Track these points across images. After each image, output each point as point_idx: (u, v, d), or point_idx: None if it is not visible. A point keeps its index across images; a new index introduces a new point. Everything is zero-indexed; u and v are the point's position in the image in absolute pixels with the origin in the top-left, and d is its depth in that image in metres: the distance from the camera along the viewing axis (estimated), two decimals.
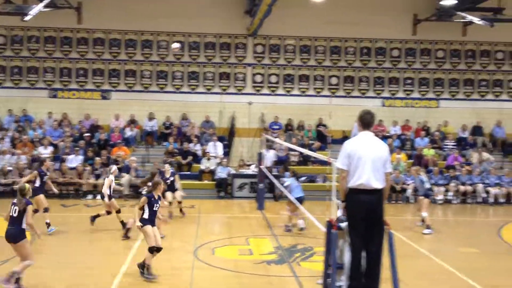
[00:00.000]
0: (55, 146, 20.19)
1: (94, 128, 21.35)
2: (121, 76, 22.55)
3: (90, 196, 18.38)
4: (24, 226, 8.34)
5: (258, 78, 23.06)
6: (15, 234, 8.25)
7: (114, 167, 13.53)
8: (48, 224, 12.61)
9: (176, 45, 14.48)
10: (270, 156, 19.71)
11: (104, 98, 22.33)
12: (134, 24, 22.26)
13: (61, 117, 21.77)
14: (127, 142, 20.90)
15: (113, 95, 22.43)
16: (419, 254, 11.59)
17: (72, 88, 22.29)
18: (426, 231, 13.71)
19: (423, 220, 14.09)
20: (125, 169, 18.74)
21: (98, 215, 13.14)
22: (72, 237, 12.59)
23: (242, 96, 22.84)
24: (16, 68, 22.14)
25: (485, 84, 23.40)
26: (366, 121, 6.32)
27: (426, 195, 14.17)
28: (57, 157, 19.59)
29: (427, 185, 14.33)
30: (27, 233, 8.54)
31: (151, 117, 21.95)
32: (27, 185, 8.67)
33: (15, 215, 8.31)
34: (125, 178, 18.28)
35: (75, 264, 10.20)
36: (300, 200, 12.61)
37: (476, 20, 20.21)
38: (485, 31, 21.69)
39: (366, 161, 6.05)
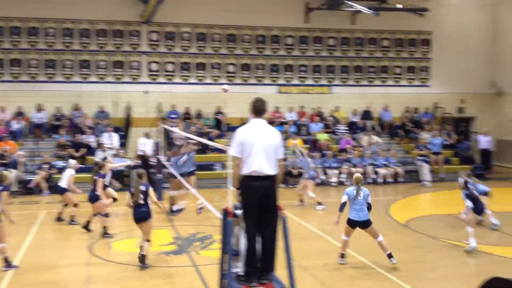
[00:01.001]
0: None
1: None
2: (6, 66, 21.17)
3: None
4: None
5: (154, 67, 22.64)
6: None
7: (73, 161, 13.03)
8: None
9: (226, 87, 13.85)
10: (150, 144, 19.51)
11: None
12: (18, 11, 20.92)
13: None
14: (14, 135, 19.69)
15: None
16: (314, 236, 12.03)
17: None
18: (319, 207, 14.51)
19: (301, 200, 15.49)
20: (12, 164, 17.68)
21: (88, 222, 12.24)
22: None
23: (137, 85, 22.32)
24: None
25: (373, 71, 24.63)
26: (257, 108, 6.39)
27: (311, 178, 15.25)
28: None
29: (312, 168, 15.46)
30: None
31: (39, 109, 20.82)
32: (5, 173, 9.79)
33: None
34: (13, 173, 17.24)
35: None
36: (187, 174, 13.08)
37: (363, 9, 21.16)
38: (372, 19, 22.81)
39: (259, 148, 6.12)
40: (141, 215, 9.51)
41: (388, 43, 24.71)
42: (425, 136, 21.81)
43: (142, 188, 9.48)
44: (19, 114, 20.59)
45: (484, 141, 22.56)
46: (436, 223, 13.63)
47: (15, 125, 20.10)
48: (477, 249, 10.41)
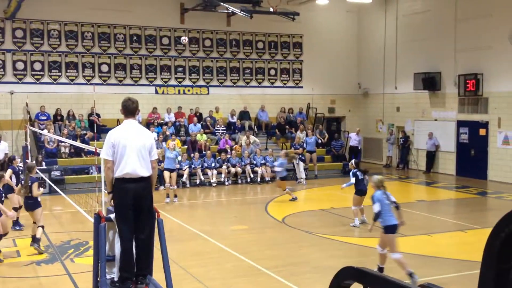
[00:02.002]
0: None
1: None
2: None
3: None
4: None
5: (20, 65, 21.23)
6: None
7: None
8: None
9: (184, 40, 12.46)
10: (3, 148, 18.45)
11: None
12: None
13: None
14: None
15: None
16: (195, 236, 12.02)
17: None
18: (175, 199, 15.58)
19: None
20: None
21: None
22: None
23: (2, 85, 20.80)
24: None
25: (249, 72, 25.15)
26: (128, 108, 6.21)
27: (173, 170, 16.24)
28: None
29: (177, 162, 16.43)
30: None
31: None
32: None
33: None
34: None
35: None
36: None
37: (237, 11, 21.52)
38: (247, 22, 23.29)
39: (131, 149, 5.96)
40: (29, 205, 10.54)
41: (263, 45, 25.37)
42: (300, 135, 22.70)
43: (29, 181, 10.34)
44: None
45: (355, 140, 23.98)
46: (310, 218, 14.23)
47: None
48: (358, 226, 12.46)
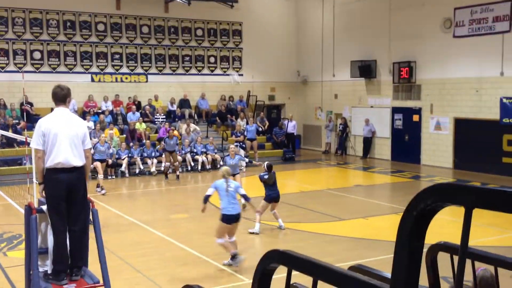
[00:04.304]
0: None
1: None
2: None
3: None
4: None
5: None
6: None
7: None
8: None
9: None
10: None
11: None
12: None
13: None
14: None
15: None
16: (133, 226, 11.85)
17: None
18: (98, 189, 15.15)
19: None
20: None
21: None
22: None
23: None
24: None
25: (189, 60, 24.89)
26: (57, 95, 6.01)
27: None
28: None
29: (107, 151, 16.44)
30: None
31: None
32: None
33: None
34: None
35: None
36: None
37: None
38: (185, 8, 22.98)
39: (63, 138, 5.78)
40: None
41: (202, 32, 25.15)
42: (240, 123, 22.73)
43: None
44: None
45: (290, 126, 24.26)
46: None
47: None
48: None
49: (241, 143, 21.40)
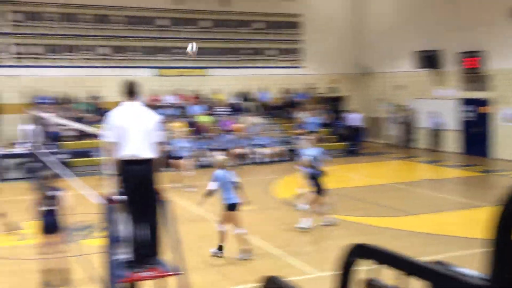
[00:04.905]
0: None
1: None
2: None
3: None
4: None
5: (20, 49, 21.12)
6: None
7: None
8: None
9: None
10: (41, 132, 18.34)
11: None
12: None
13: None
14: None
15: None
16: (201, 218, 12.06)
17: None
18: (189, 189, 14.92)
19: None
20: None
21: None
22: None
23: (3, 69, 20.71)
24: None
25: (248, 53, 24.98)
26: (129, 90, 6.18)
27: (186, 157, 15.49)
28: None
29: (189, 148, 15.70)
30: None
31: None
32: None
33: None
34: None
35: None
36: None
37: None
38: (245, 2, 23.08)
39: (134, 131, 5.92)
40: (49, 225, 7.84)
41: (262, 25, 25.17)
42: (301, 115, 22.65)
43: (49, 193, 7.89)
44: None
45: (353, 119, 23.95)
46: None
47: None
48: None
49: (303, 136, 21.30)
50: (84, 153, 19.08)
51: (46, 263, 7.98)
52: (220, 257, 9.07)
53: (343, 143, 23.02)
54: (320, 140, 21.69)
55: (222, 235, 9.14)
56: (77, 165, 18.49)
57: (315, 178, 10.75)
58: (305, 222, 10.65)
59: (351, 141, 23.25)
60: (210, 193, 9.15)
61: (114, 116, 5.99)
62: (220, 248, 9.10)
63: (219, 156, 9.66)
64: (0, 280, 8.25)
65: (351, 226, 11.14)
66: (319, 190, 10.81)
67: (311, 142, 11.67)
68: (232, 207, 9.08)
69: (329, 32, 25.95)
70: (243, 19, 24.73)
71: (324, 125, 23.53)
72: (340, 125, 23.59)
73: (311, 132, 21.78)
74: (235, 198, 9.12)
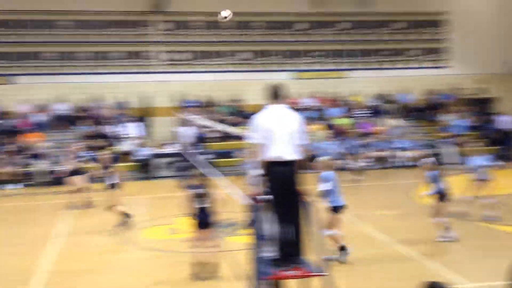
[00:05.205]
0: None
1: (1, 115, 20.22)
2: (27, 59, 21.43)
3: (9, 186, 17.52)
4: None
5: (171, 56, 22.74)
6: None
7: None
8: None
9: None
10: (189, 134, 19.59)
11: (9, 82, 21.15)
12: (37, 5, 21.15)
13: None
14: (38, 127, 20.01)
15: (19, 79, 21.30)
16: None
17: None
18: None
19: None
20: (38, 155, 17.99)
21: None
22: None
23: (155, 75, 22.45)
24: None
25: (390, 53, 24.40)
26: (275, 93, 6.34)
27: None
28: None
29: (335, 151, 15.05)
30: None
31: (60, 101, 21.08)
32: None
33: None
34: (40, 164, 17.53)
35: None
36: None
37: None
38: (387, 2, 22.55)
39: (279, 133, 6.05)
40: (203, 221, 8.47)
41: (403, 25, 24.43)
42: (447, 118, 21.59)
43: (200, 191, 8.45)
44: (41, 107, 20.89)
45: (504, 121, 22.29)
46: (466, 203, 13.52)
47: (38, 118, 20.40)
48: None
49: (450, 140, 20.31)
50: (227, 154, 19.95)
51: (198, 257, 8.53)
52: (341, 261, 8.89)
53: (493, 147, 21.48)
54: (466, 144, 20.63)
55: (334, 238, 8.97)
56: (220, 165, 19.41)
57: (437, 182, 10.13)
58: (446, 233, 10.10)
59: (501, 145, 21.68)
60: (324, 194, 8.89)
61: (260, 119, 6.18)
62: (343, 248, 8.93)
63: (324, 157, 9.44)
64: (155, 271, 8.94)
65: (503, 236, 10.41)
66: (443, 197, 10.14)
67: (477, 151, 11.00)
68: (337, 209, 8.97)
69: (476, 29, 24.47)
70: (383, 20, 24.24)
71: (471, 128, 22.22)
72: (490, 128, 22.09)
73: (457, 135, 20.72)
74: (341, 201, 9.02)
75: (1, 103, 20.63)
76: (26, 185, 17.50)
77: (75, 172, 14.09)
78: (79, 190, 13.98)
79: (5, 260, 9.66)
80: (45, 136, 19.69)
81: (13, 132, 19.45)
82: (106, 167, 11.96)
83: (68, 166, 14.32)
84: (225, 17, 10.86)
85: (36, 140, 18.85)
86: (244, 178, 11.61)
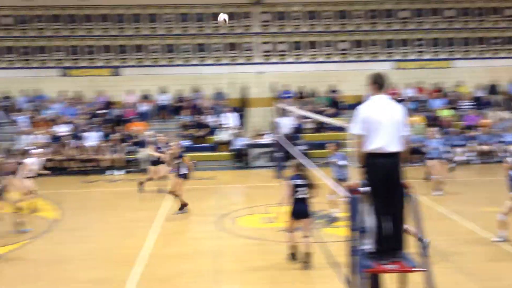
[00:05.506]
0: (72, 124, 20.29)
1: (108, 105, 21.40)
2: (130, 52, 22.48)
3: (109, 172, 18.56)
4: None
5: (266, 47, 22.87)
6: None
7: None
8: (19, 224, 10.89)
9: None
10: (287, 124, 19.62)
11: (114, 74, 22.30)
12: None
13: (74, 95, 21.85)
14: (141, 117, 20.96)
15: (123, 71, 22.41)
16: (441, 216, 11.59)
17: (82, 66, 22.30)
18: (435, 193, 13.68)
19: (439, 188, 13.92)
20: (141, 143, 18.83)
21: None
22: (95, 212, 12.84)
23: (251, 66, 22.70)
24: (24, 48, 22.13)
25: (498, 42, 23.00)
26: (379, 83, 6.17)
27: (440, 158, 14.01)
28: (75, 135, 19.74)
29: (441, 148, 14.20)
30: None
31: (162, 91, 21.94)
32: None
33: None
34: (143, 152, 18.35)
35: (97, 238, 10.46)
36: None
37: None
38: None
39: (383, 124, 5.91)
40: (301, 212, 8.46)
41: None
42: None
43: (297, 181, 8.48)
44: (145, 97, 21.86)
45: None
46: None
47: (142, 108, 21.38)
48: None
49: None
50: (321, 145, 19.74)
51: (292, 246, 8.57)
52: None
53: None
54: None
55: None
56: (315, 156, 19.28)
57: None
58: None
59: None
60: None
61: (365, 109, 6.06)
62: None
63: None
64: (250, 258, 9.06)
65: None
66: None
67: None
68: None
69: None
70: (488, 6, 22.84)
71: None
72: None
73: None
74: None
75: (107, 93, 21.79)
76: (128, 172, 18.38)
77: (159, 161, 14.62)
78: (161, 178, 14.62)
79: (111, 242, 10.25)
80: (148, 125, 20.58)
81: (118, 121, 20.51)
82: (176, 158, 12.36)
83: (155, 155, 14.87)
84: (225, 20, 11.06)
85: (140, 129, 19.73)
86: (335, 170, 11.47)
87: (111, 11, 22.34)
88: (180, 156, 12.36)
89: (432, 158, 14.10)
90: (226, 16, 11.62)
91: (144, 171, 17.92)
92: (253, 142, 19.68)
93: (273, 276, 8.22)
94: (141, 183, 15.01)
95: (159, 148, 14.50)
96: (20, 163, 11.63)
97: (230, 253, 9.37)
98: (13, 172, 11.33)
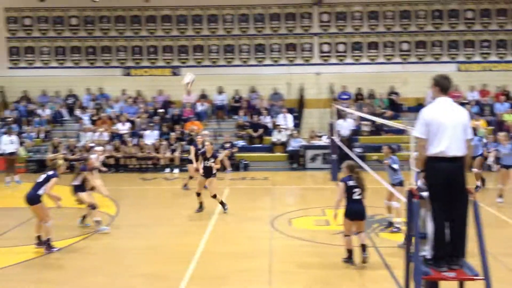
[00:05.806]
0: (132, 122, 20.85)
1: (167, 104, 21.84)
2: (190, 52, 22.85)
3: (167, 170, 18.92)
4: (41, 192, 9.31)
5: (325, 48, 22.68)
6: (31, 197, 9.34)
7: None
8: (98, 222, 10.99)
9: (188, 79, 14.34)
10: (345, 126, 19.40)
11: (174, 74, 22.73)
12: (199, 0, 22.44)
13: (135, 94, 22.43)
14: (199, 116, 21.26)
15: (183, 71, 22.75)
16: (503, 224, 11.14)
17: (144, 65, 22.86)
18: (498, 199, 13.10)
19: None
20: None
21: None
22: (152, 209, 13.12)
23: (309, 66, 22.58)
24: (90, 48, 22.92)
25: None
26: (443, 86, 6.01)
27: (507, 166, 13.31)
28: (135, 133, 20.27)
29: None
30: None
31: (220, 91, 22.18)
32: (60, 162, 9.87)
33: (39, 180, 9.42)
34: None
35: (153, 234, 10.68)
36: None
37: None
38: None
39: (446, 128, 5.77)
40: (357, 212, 8.48)
41: None
42: None
43: (351, 183, 8.50)
44: (203, 97, 22.16)
45: None
46: None
47: (200, 107, 21.69)
48: None
49: None
50: (378, 148, 19.39)
51: (347, 248, 8.49)
52: None
53: None
54: None
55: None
56: (370, 159, 18.95)
57: None
58: None
59: None
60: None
61: (428, 112, 5.92)
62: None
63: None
64: (301, 258, 9.00)
65: None
66: None
67: None
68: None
69: None
70: None
71: None
72: None
73: None
74: None
75: (166, 93, 22.24)
76: (181, 170, 18.63)
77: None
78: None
79: (168, 238, 10.45)
80: (203, 124, 20.84)
81: (176, 120, 20.89)
82: (208, 159, 12.32)
83: (223, 154, 14.99)
84: (188, 83, 11.05)
85: (196, 128, 20.00)
86: (390, 173, 11.22)
87: (173, 12, 22.80)
88: (215, 156, 12.46)
89: (506, 166, 13.16)
90: (191, 78, 11.86)
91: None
92: (309, 144, 19.57)
93: (326, 276, 8.17)
94: (184, 185, 15.24)
95: (198, 148, 14.58)
96: (85, 160, 12.04)
97: (284, 254, 9.36)
98: (92, 169, 11.74)
